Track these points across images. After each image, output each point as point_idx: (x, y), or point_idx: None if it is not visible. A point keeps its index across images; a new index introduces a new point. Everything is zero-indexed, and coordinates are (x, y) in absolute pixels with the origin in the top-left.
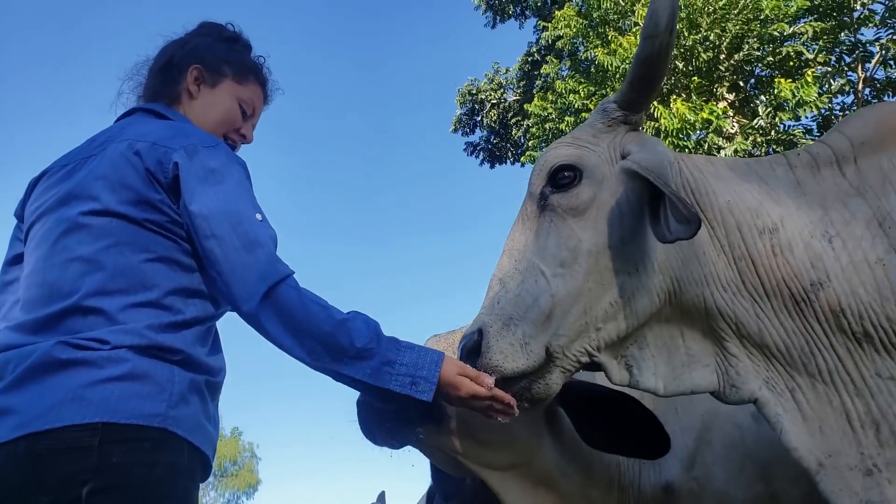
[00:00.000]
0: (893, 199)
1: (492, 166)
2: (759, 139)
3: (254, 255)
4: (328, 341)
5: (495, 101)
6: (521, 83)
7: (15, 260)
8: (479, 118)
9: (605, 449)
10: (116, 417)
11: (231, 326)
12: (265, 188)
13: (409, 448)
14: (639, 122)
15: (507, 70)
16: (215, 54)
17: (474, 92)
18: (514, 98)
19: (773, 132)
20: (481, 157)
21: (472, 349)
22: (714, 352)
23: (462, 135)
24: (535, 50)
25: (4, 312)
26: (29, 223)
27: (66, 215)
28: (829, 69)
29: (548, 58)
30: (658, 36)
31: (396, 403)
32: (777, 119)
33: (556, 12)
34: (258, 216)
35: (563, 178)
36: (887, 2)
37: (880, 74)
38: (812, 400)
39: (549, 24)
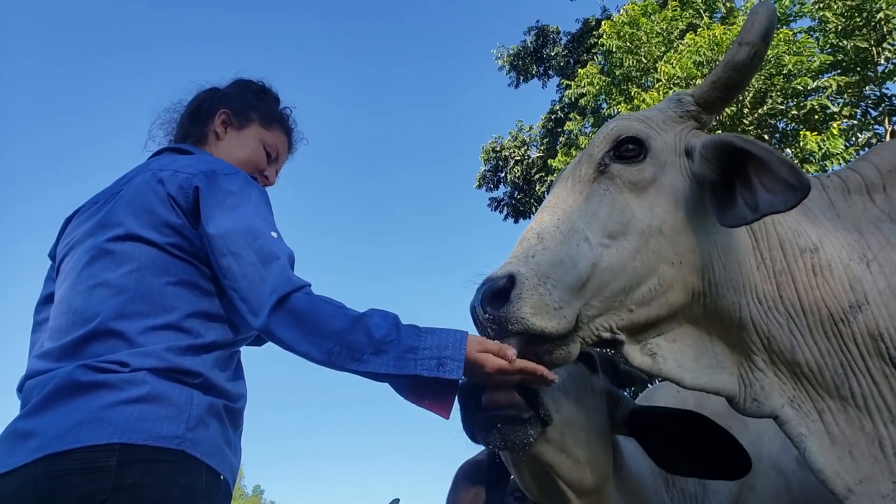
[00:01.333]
0: None
1: (515, 221)
2: None
3: (269, 268)
4: (346, 338)
5: (519, 158)
6: (545, 140)
7: (47, 299)
8: (503, 174)
9: (683, 472)
10: (134, 438)
11: (255, 388)
12: (294, 237)
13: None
14: (707, 123)
15: (530, 127)
16: (244, 102)
17: (498, 149)
18: (538, 154)
19: None
20: (505, 212)
21: (499, 293)
22: (739, 363)
23: (486, 190)
24: (558, 108)
25: (36, 349)
26: (60, 259)
27: (93, 244)
28: (855, 122)
29: (571, 115)
30: (754, 44)
31: (429, 397)
32: (804, 171)
33: (579, 71)
34: (273, 234)
35: (628, 150)
36: None
37: None
38: (842, 423)
39: (573, 83)
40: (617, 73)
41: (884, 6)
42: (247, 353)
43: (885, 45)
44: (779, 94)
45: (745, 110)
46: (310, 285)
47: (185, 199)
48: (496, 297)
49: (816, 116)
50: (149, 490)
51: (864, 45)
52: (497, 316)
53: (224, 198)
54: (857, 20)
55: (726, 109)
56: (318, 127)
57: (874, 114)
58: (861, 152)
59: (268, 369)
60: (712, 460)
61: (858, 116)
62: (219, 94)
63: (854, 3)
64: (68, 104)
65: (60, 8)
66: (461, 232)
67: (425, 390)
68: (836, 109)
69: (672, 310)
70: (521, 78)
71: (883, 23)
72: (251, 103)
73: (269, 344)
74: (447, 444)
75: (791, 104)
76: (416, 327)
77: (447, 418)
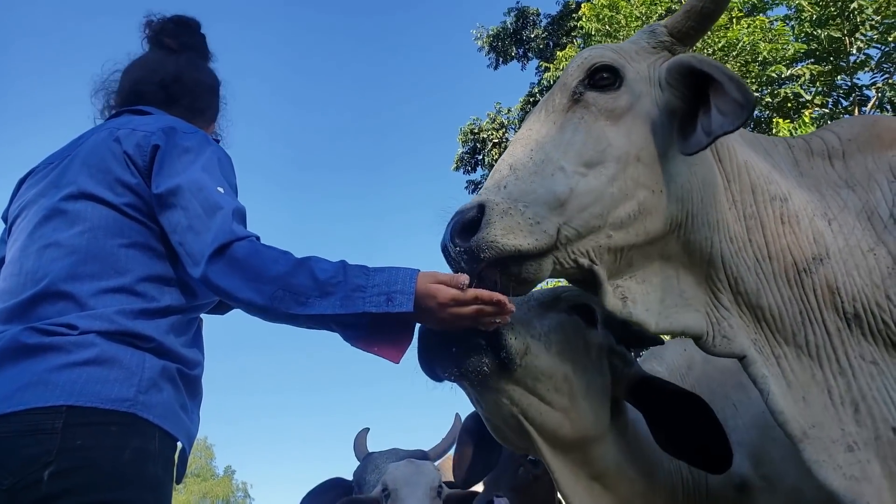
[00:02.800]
0: (879, 195)
1: None
2: None
3: (213, 219)
4: (289, 282)
5: (497, 140)
6: (523, 123)
7: None
8: (481, 157)
9: (672, 452)
10: (81, 401)
11: (228, 368)
12: (269, 227)
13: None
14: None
15: (508, 110)
16: (214, 95)
17: (476, 131)
18: None
19: None
20: None
21: (469, 225)
22: (706, 301)
23: (464, 173)
24: (536, 90)
25: None
26: (12, 220)
27: (46, 204)
28: (827, 111)
29: None
30: None
31: (379, 341)
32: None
33: (558, 53)
34: (220, 189)
35: (602, 78)
36: (882, 47)
37: None
38: (797, 370)
39: (551, 65)
40: None
41: None
42: (223, 333)
43: (857, 35)
44: (754, 80)
45: None
46: (256, 237)
47: (142, 157)
48: (466, 228)
49: (789, 104)
50: (97, 452)
51: (838, 34)
52: (468, 247)
53: (180, 154)
54: (832, 10)
55: None
56: (293, 105)
57: (845, 103)
58: None
59: (242, 348)
60: (701, 449)
61: (830, 105)
62: (196, 69)
63: None
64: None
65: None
66: (439, 213)
67: (375, 334)
68: (808, 98)
69: (649, 238)
70: (501, 59)
71: (856, 13)
72: (215, 102)
73: (246, 321)
74: (420, 422)
75: (765, 91)
76: (364, 267)
77: (397, 362)
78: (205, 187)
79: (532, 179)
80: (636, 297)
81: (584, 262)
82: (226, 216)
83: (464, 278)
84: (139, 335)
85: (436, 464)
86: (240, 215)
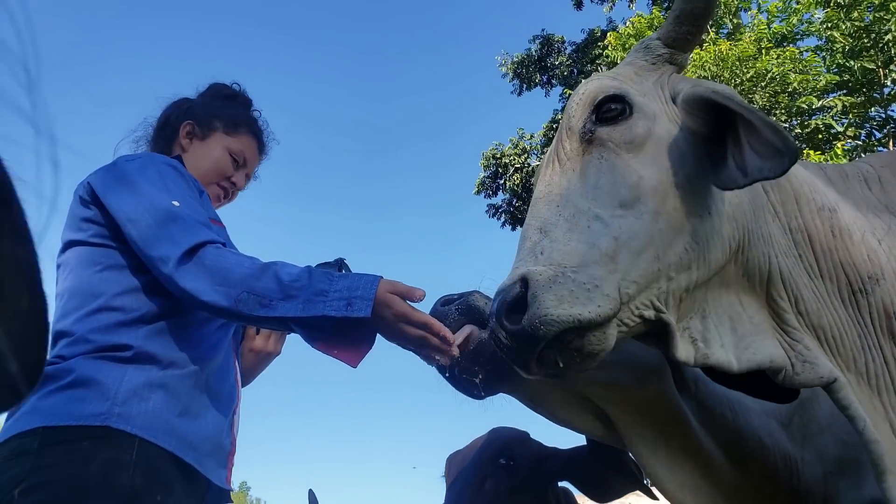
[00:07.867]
0: None
1: (513, 228)
2: None
3: (167, 228)
4: (253, 285)
5: (519, 166)
6: (545, 149)
7: None
8: (503, 181)
9: (729, 385)
10: (55, 421)
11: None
12: (287, 247)
13: None
14: (684, 64)
15: (531, 136)
16: (208, 110)
17: (498, 156)
18: (538, 163)
19: None
20: (503, 219)
21: (515, 305)
22: (773, 325)
23: (485, 196)
24: (559, 117)
25: None
26: None
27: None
28: (860, 143)
29: None
30: None
31: (339, 345)
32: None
33: (582, 81)
34: (175, 202)
35: (609, 110)
36: None
37: None
38: (864, 400)
39: None
40: None
41: (893, 28)
42: None
43: (892, 66)
44: (783, 112)
45: None
46: (222, 242)
47: (87, 193)
48: (513, 309)
49: (820, 136)
50: (66, 467)
51: (871, 66)
52: (520, 329)
53: (120, 178)
54: (865, 41)
55: None
56: (319, 130)
57: (879, 135)
58: None
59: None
60: (762, 379)
61: (863, 137)
62: (185, 105)
63: (862, 24)
64: None
65: None
66: (460, 235)
67: (336, 337)
68: (840, 129)
69: (714, 268)
70: (525, 86)
71: (891, 44)
72: (217, 110)
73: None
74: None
75: (795, 123)
76: (330, 273)
77: (355, 367)
78: (154, 199)
79: (569, 238)
80: (706, 335)
81: (650, 314)
82: (187, 223)
83: (419, 293)
84: (116, 346)
85: None
86: (206, 224)
